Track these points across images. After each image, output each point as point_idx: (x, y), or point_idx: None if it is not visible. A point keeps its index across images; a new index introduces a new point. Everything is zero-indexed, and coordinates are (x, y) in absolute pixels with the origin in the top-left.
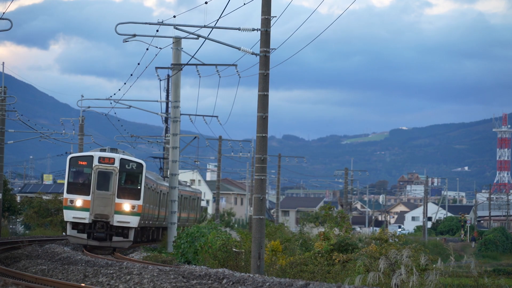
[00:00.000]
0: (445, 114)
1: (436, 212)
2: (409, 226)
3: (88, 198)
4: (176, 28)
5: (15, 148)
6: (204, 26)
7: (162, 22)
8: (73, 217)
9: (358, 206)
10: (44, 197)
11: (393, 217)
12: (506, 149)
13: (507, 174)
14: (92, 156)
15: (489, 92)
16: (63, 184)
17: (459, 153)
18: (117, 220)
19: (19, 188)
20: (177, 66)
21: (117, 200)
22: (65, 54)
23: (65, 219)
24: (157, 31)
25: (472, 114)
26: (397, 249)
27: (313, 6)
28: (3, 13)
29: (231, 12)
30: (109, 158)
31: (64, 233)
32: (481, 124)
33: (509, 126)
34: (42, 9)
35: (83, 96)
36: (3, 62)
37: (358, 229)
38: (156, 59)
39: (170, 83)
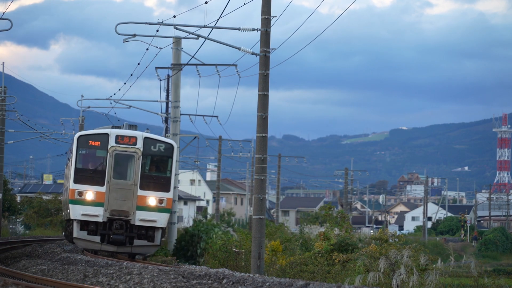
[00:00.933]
0: (445, 114)
1: (436, 212)
2: (409, 226)
3: (102, 189)
4: (176, 28)
5: (15, 148)
6: (204, 26)
7: (162, 22)
8: (82, 214)
9: (358, 206)
10: (44, 197)
11: (393, 217)
12: (506, 149)
13: (507, 174)
14: (107, 135)
15: (489, 92)
16: (63, 184)
17: (459, 153)
18: (139, 218)
19: (19, 188)
20: (177, 66)
21: (140, 192)
22: (65, 54)
23: (72, 217)
24: (157, 31)
25: (472, 114)
26: (397, 249)
27: (313, 6)
28: (3, 13)
29: (231, 12)
30: (130, 137)
31: (64, 233)
32: (481, 124)
33: (509, 126)
34: (43, 9)
35: (83, 96)
36: (3, 62)
37: (364, 229)
38: (156, 59)
39: (170, 83)
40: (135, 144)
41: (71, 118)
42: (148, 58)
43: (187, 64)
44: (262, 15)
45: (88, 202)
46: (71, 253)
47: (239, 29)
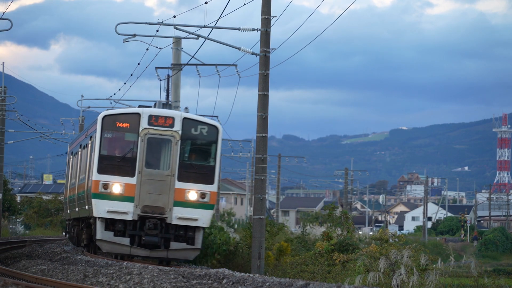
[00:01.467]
0: (445, 114)
1: (436, 212)
2: (409, 226)
3: (132, 180)
4: (176, 28)
5: (15, 148)
6: (204, 26)
7: (162, 22)
8: (108, 211)
9: (358, 206)
10: (44, 197)
11: (393, 217)
12: (506, 149)
13: (507, 174)
14: (138, 115)
15: (489, 92)
16: (63, 184)
17: (459, 153)
18: (177, 215)
19: (19, 188)
20: (177, 66)
21: (178, 184)
22: (66, 54)
23: (95, 214)
24: (157, 31)
25: (472, 114)
26: (397, 249)
27: (314, 6)
28: (3, 13)
29: (231, 12)
30: (166, 118)
31: (64, 233)
32: (481, 124)
33: (509, 126)
34: (43, 9)
35: (83, 96)
36: (3, 62)
37: (365, 229)
38: (156, 59)
39: (170, 83)
40: (172, 126)
41: (71, 118)
42: (148, 58)
43: (187, 64)
44: (262, 15)
45: (115, 197)
46: (71, 253)
47: (239, 29)
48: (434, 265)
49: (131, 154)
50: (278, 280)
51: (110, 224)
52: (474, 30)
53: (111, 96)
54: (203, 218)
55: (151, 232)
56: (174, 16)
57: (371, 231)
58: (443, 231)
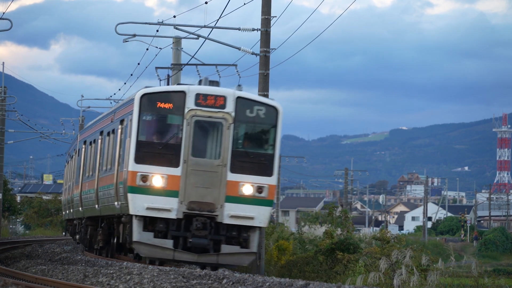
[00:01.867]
0: (445, 114)
1: (436, 212)
2: (409, 226)
3: (177, 171)
4: (176, 28)
5: (15, 148)
6: (204, 26)
7: (162, 22)
8: (148, 208)
9: (358, 206)
10: (44, 197)
11: (393, 217)
12: (506, 149)
13: (507, 174)
14: (183, 93)
15: (489, 92)
16: (63, 184)
17: (459, 153)
18: (230, 213)
19: (19, 188)
20: (177, 66)
21: (231, 176)
22: (66, 54)
23: (131, 211)
24: (157, 31)
25: (472, 114)
26: (398, 249)
27: (314, 6)
28: (3, 13)
29: (231, 12)
30: (217, 97)
31: (64, 233)
32: (481, 124)
33: (509, 126)
34: (43, 9)
35: (83, 96)
36: (3, 62)
37: (365, 229)
38: (156, 59)
39: (170, 83)
40: (223, 106)
41: (71, 118)
42: (148, 58)
43: (187, 64)
44: (262, 15)
45: (156, 191)
46: (71, 253)
47: (239, 29)
48: (434, 265)
49: (175, 140)
50: (278, 280)
51: (150, 223)
52: (474, 30)
53: (111, 96)
54: (260, 216)
55: (198, 233)
56: (174, 16)
57: (372, 230)
58: (443, 231)
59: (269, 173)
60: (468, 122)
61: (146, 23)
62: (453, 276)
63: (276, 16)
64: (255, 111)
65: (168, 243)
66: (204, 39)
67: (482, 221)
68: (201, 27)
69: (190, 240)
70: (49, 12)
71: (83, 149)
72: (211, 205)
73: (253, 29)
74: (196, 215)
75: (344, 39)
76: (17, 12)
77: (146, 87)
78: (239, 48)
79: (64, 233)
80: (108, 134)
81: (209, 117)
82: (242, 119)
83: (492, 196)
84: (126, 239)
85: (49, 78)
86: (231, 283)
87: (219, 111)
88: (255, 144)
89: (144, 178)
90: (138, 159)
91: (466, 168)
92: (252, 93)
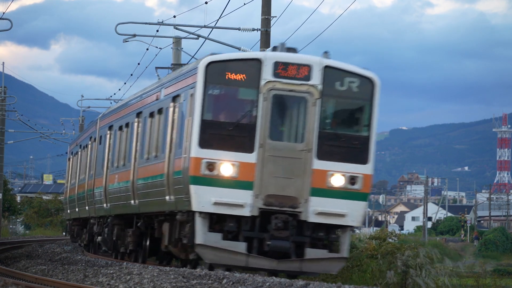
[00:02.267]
0: (445, 114)
1: (436, 212)
2: (409, 226)
3: (251, 158)
4: (176, 28)
5: (15, 148)
6: (204, 26)
7: (162, 22)
8: (216, 203)
9: None
10: (44, 197)
11: (393, 217)
12: (506, 149)
13: (507, 174)
14: (258, 61)
15: (489, 92)
16: (63, 184)
17: (459, 153)
18: (316, 209)
19: (19, 188)
20: (177, 66)
21: (318, 164)
22: (66, 54)
23: (194, 207)
24: (157, 31)
25: (472, 114)
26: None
27: (314, 6)
28: (3, 13)
29: (231, 12)
30: (300, 66)
31: (64, 233)
32: (481, 124)
33: (509, 126)
34: (43, 9)
35: (83, 96)
36: (3, 62)
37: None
38: (156, 59)
39: None
40: (308, 78)
41: (71, 118)
42: (148, 58)
43: (187, 64)
44: (262, 15)
45: (225, 182)
46: (71, 253)
47: (239, 29)
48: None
49: (249, 119)
50: (278, 280)
51: (217, 222)
52: (474, 30)
53: (111, 96)
54: (352, 213)
55: (279, 234)
56: (174, 16)
57: (372, 231)
58: (443, 231)
59: (363, 160)
60: (468, 122)
61: (146, 23)
62: (453, 276)
63: (276, 16)
64: (346, 84)
65: (241, 246)
66: (204, 39)
67: (482, 221)
68: (201, 27)
69: (269, 242)
70: (49, 12)
71: (108, 136)
72: (293, 200)
73: (253, 29)
74: (275, 211)
75: (344, 39)
76: (17, 12)
77: (212, 54)
78: (239, 48)
79: (64, 233)
80: (151, 115)
81: (291, 90)
82: (331, 93)
83: (492, 196)
84: (178, 241)
85: (49, 78)
86: (231, 283)
87: (303, 84)
88: (346, 124)
89: (211, 166)
90: (203, 143)
91: (466, 168)
92: None
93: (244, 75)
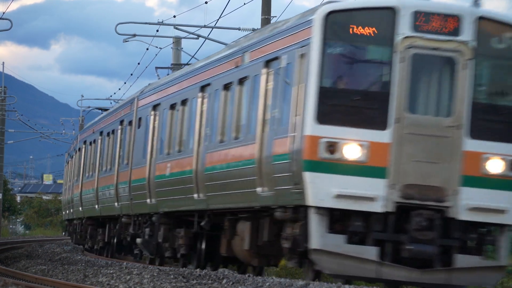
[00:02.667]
0: None
1: None
2: None
3: (384, 137)
4: (176, 28)
5: (15, 148)
6: (204, 26)
7: (162, 22)
8: (338, 196)
9: None
10: (44, 197)
11: None
12: None
13: None
14: (393, 11)
15: None
16: (63, 184)
17: None
18: (469, 203)
19: (19, 188)
20: (177, 66)
21: (471, 145)
22: (66, 54)
23: (310, 201)
24: (157, 31)
25: None
26: None
27: (314, 6)
28: (3, 13)
29: (231, 12)
30: (446, 17)
31: (64, 233)
32: None
33: None
34: (43, 8)
35: (83, 96)
36: (3, 62)
37: None
38: (156, 59)
39: None
40: (457, 32)
41: (71, 118)
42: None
43: (187, 64)
44: (262, 15)
45: (350, 168)
46: (71, 253)
47: (239, 29)
48: None
49: (381, 86)
50: (278, 280)
51: (338, 220)
52: None
53: (111, 96)
54: None
55: (422, 236)
56: (174, 16)
57: None
58: None
59: None
60: None
61: (146, 23)
62: None
63: (276, 16)
64: (506, 41)
65: (371, 251)
66: (204, 39)
67: None
68: (201, 27)
69: (410, 247)
70: (49, 12)
71: (153, 117)
72: (440, 191)
73: (253, 29)
74: (417, 206)
75: None
76: (17, 12)
77: (330, 1)
78: None
79: (64, 233)
80: (227, 87)
81: (435, 49)
82: (488, 53)
83: None
84: (268, 244)
85: (49, 78)
86: (231, 283)
87: (450, 40)
88: (507, 93)
89: (332, 147)
90: (322, 118)
91: None
92: None
93: (373, 28)
